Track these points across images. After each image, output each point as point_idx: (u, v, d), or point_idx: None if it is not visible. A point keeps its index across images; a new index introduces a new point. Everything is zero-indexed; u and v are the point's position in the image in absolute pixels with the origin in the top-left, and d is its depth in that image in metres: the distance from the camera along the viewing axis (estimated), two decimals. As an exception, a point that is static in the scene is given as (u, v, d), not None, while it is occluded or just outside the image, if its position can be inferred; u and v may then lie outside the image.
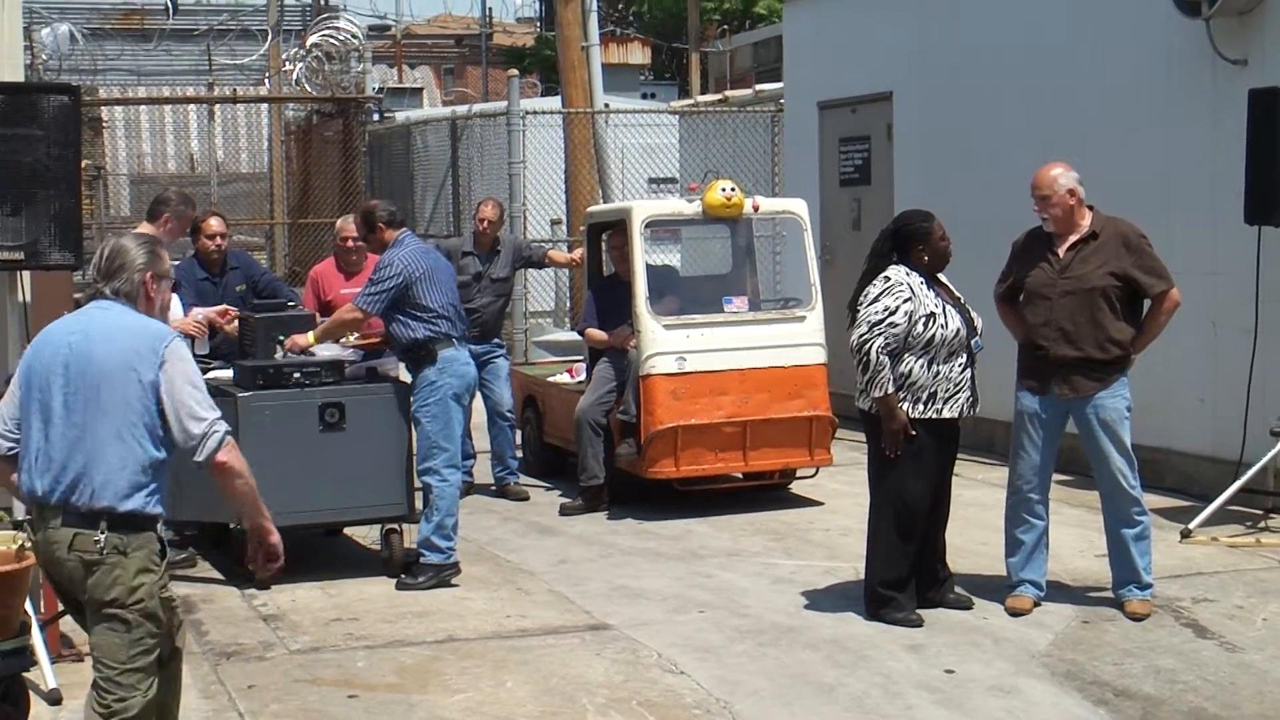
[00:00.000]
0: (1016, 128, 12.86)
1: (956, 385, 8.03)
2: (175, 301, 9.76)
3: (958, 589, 8.40)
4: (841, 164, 15.56)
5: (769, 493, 11.40)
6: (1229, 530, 9.88)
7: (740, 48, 41.13)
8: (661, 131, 21.18)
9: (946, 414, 8.03)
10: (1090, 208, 8.23)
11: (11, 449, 5.45)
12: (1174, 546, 9.54)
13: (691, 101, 26.11)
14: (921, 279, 8.09)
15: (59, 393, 5.31)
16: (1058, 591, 8.51)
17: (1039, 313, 8.16)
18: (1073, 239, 8.16)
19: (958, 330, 8.02)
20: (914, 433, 7.94)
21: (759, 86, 22.82)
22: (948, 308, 8.06)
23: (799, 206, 11.67)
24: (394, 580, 9.15)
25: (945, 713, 6.75)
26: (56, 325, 5.56)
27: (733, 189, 11.09)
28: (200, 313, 9.89)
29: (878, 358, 7.88)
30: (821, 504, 11.20)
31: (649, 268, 11.08)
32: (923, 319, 7.95)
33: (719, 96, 24.66)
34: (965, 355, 8.08)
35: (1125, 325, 8.07)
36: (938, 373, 7.99)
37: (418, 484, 9.31)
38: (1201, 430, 11.06)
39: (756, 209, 11.32)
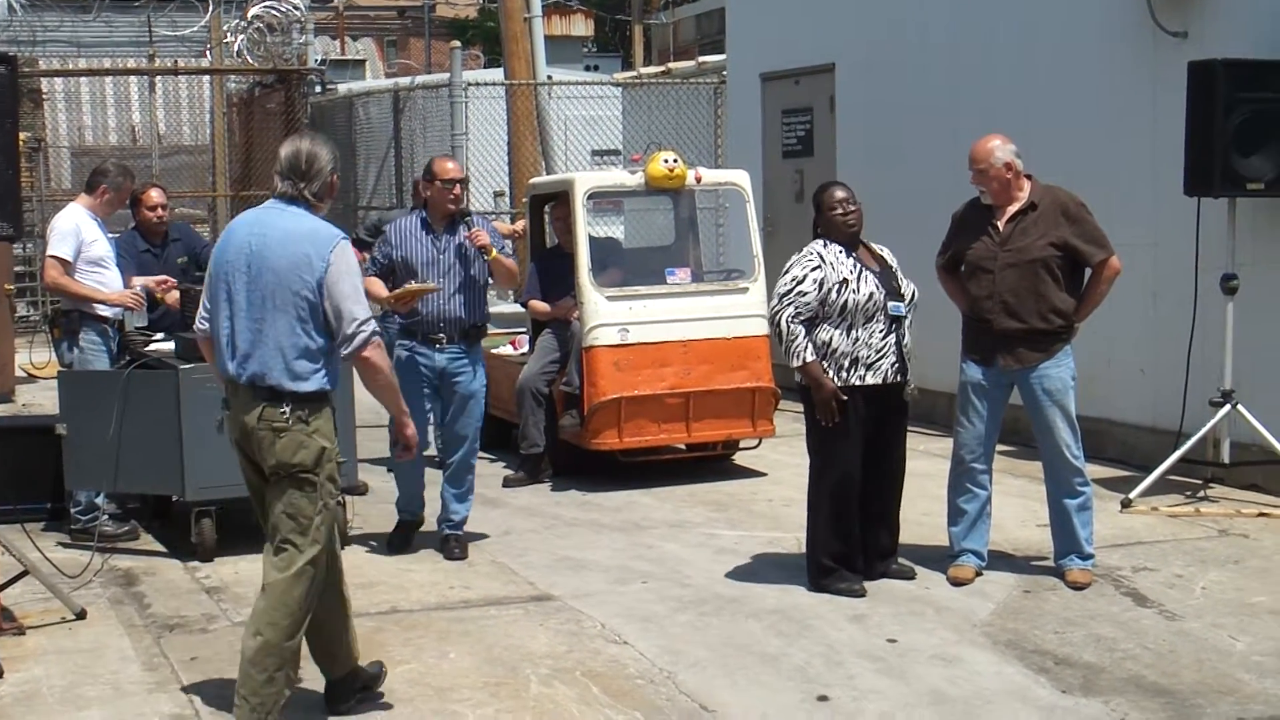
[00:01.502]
0: (958, 99, 12.89)
1: (879, 351, 8.00)
2: (115, 273, 9.71)
3: (900, 559, 8.42)
4: (784, 135, 15.58)
5: (712, 464, 11.42)
6: (1169, 500, 9.95)
7: (683, 20, 41.15)
8: (604, 103, 21.16)
9: (870, 380, 7.97)
10: (1029, 177, 8.23)
11: (209, 332, 6.27)
12: (1114, 516, 9.60)
13: (634, 74, 26.03)
14: (840, 247, 8.09)
15: (242, 289, 6.05)
16: (1000, 561, 8.55)
17: (981, 285, 8.17)
18: (1012, 210, 8.15)
19: (870, 295, 7.97)
20: (845, 399, 7.94)
21: (702, 58, 22.78)
22: (864, 273, 8.04)
23: (741, 178, 11.68)
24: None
25: (887, 682, 6.77)
26: (240, 224, 6.28)
27: (675, 160, 11.10)
28: (139, 282, 9.84)
29: (789, 327, 7.88)
30: (764, 475, 11.23)
31: (591, 239, 11.07)
32: (835, 286, 7.93)
33: (662, 68, 24.60)
34: (885, 320, 8.07)
35: (1067, 295, 8.08)
36: (857, 338, 7.96)
37: (361, 455, 9.28)
38: (1142, 401, 11.14)
39: (699, 180, 11.32)
